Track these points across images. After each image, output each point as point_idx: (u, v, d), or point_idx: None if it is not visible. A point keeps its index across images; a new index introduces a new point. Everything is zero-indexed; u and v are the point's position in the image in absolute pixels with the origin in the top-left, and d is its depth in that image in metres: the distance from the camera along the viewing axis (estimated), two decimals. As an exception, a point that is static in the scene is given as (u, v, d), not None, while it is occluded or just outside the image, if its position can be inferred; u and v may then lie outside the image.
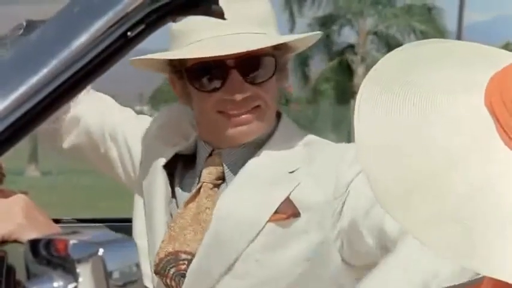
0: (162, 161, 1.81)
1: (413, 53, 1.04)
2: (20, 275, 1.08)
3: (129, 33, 0.99)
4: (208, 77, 1.71)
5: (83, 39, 0.97)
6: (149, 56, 1.76)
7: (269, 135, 1.77)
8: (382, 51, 25.92)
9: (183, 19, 1.69)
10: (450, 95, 0.95)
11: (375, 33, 26.68)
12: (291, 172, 1.71)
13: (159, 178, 1.81)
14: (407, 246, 1.42)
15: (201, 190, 1.76)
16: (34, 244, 0.94)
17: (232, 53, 1.66)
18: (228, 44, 1.67)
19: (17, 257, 1.10)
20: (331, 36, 26.52)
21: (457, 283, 1.35)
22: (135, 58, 1.77)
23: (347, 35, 27.42)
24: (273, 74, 1.72)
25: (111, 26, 0.98)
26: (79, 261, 0.88)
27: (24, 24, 1.07)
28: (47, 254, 0.92)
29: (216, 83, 1.70)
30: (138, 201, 1.85)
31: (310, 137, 1.78)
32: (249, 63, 1.70)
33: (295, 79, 26.45)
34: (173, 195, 1.82)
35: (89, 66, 0.98)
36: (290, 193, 1.69)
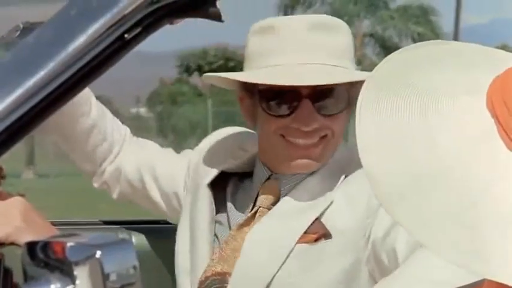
0: (207, 179, 1.81)
1: (413, 55, 1.04)
2: (17, 277, 1.08)
3: (126, 36, 0.99)
4: (280, 101, 1.69)
5: (80, 41, 0.97)
6: (227, 74, 1.75)
7: (326, 164, 1.75)
8: (378, 54, 25.97)
9: (253, 39, 1.71)
10: (452, 98, 0.95)
11: (371, 35, 26.71)
12: (325, 194, 1.70)
13: (203, 196, 1.80)
14: (417, 259, 1.43)
15: (257, 215, 1.75)
16: (31, 246, 0.93)
17: (309, 84, 1.65)
18: (306, 75, 1.66)
19: (14, 260, 1.10)
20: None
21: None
22: (209, 75, 1.78)
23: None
24: (345, 108, 1.70)
25: (108, 29, 0.98)
26: (76, 263, 0.88)
27: (21, 26, 1.07)
28: (44, 257, 0.92)
29: (287, 109, 1.69)
30: (183, 221, 1.84)
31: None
32: (322, 95, 1.68)
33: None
34: (222, 211, 1.81)
35: (86, 69, 0.98)
36: (321, 214, 1.67)
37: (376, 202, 1.59)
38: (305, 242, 1.65)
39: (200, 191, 1.80)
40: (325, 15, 1.77)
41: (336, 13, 27.14)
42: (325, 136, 1.70)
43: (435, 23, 27.11)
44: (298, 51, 1.68)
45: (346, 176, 1.71)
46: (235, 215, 1.79)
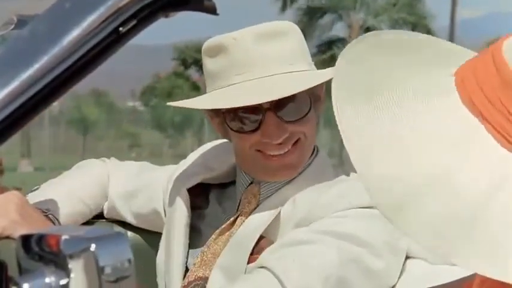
0: (187, 185, 1.83)
1: (375, 47, 1.05)
2: (12, 271, 1.08)
3: (120, 29, 0.99)
4: (244, 119, 1.70)
5: (74, 34, 0.97)
6: (185, 103, 1.76)
7: (302, 171, 1.75)
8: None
9: (207, 61, 1.69)
10: (425, 99, 0.96)
11: (367, 28, 26.70)
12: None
13: (180, 202, 1.82)
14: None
15: (238, 219, 1.76)
16: (26, 240, 0.93)
17: (267, 100, 1.65)
18: (263, 90, 1.65)
19: (9, 253, 1.09)
20: (318, 29, 26.54)
21: None
22: (172, 103, 1.79)
23: (336, 29, 27.50)
24: (310, 108, 1.70)
25: (103, 22, 0.98)
26: (71, 256, 0.88)
27: (15, 19, 1.06)
28: (39, 250, 0.92)
29: (253, 126, 1.69)
30: (164, 228, 1.87)
31: (340, 178, 1.74)
32: (284, 104, 1.67)
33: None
34: (202, 217, 1.83)
35: (80, 62, 0.98)
36: (267, 230, 1.68)
37: (305, 221, 1.64)
38: (253, 262, 1.66)
39: (178, 198, 1.82)
40: (271, 22, 1.74)
41: (331, 5, 27.16)
42: (298, 140, 1.70)
43: (426, 12, 27.20)
44: (251, 67, 1.67)
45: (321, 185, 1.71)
46: (218, 219, 1.80)
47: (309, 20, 26.83)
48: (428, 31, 25.47)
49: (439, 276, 1.59)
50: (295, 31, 1.72)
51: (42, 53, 0.96)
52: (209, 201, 1.86)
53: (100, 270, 0.86)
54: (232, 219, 1.76)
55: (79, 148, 35.57)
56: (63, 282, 0.87)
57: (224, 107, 1.69)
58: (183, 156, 2.04)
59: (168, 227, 1.83)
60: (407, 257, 1.66)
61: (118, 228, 2.00)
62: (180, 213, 1.81)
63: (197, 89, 29.37)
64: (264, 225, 1.68)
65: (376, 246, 1.60)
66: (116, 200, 1.98)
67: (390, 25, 26.53)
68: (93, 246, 0.87)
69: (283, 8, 27.57)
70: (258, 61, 1.68)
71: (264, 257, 1.62)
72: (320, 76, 1.69)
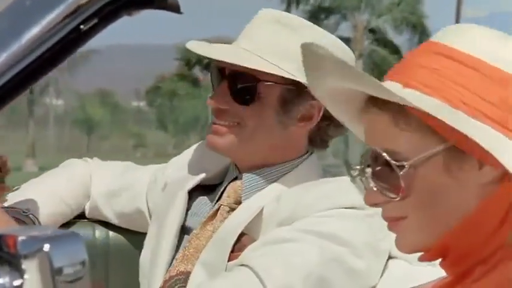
0: (187, 187, 1.83)
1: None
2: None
3: (82, 27, 0.98)
4: (212, 77, 1.75)
5: (34, 32, 0.96)
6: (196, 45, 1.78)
7: (290, 170, 1.75)
8: (378, 45, 26.02)
9: None
10: None
11: (371, 29, 26.71)
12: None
13: (178, 201, 1.82)
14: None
15: (218, 212, 1.76)
16: (-16, 240, 0.92)
17: (205, 55, 1.69)
18: (217, 50, 1.70)
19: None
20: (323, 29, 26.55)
21: None
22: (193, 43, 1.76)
23: (341, 29, 27.49)
24: (253, 99, 1.69)
25: (63, 19, 0.96)
26: (25, 257, 0.86)
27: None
28: (-3, 250, 0.90)
29: (215, 86, 1.74)
30: (151, 229, 1.86)
31: (326, 179, 1.73)
32: (236, 79, 1.69)
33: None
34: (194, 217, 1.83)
35: (40, 60, 0.97)
36: (249, 227, 1.68)
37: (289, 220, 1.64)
38: (235, 259, 1.66)
39: (176, 199, 1.82)
40: (298, 17, 1.75)
41: (336, 6, 27.15)
42: (237, 124, 1.71)
43: (425, 12, 27.29)
44: (241, 37, 1.74)
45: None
46: (202, 214, 1.80)
47: (314, 21, 26.78)
48: (424, 30, 25.57)
49: (418, 276, 1.59)
50: (302, 34, 1.68)
51: (2, 51, 0.95)
52: (196, 197, 1.85)
53: (54, 270, 0.85)
54: (211, 212, 1.76)
55: (83, 148, 35.65)
56: (16, 283, 0.86)
57: (195, 51, 1.72)
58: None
59: (159, 226, 1.82)
60: (389, 258, 1.66)
61: (100, 228, 2.00)
62: (175, 215, 1.81)
63: (201, 88, 29.36)
64: (245, 222, 1.68)
65: (358, 246, 1.60)
66: (99, 200, 1.97)
67: (393, 25, 26.55)
68: (47, 247, 0.86)
69: (288, 9, 27.60)
70: (247, 35, 1.73)
71: (245, 255, 1.62)
72: (264, 66, 1.67)
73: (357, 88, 1.08)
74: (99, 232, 2.01)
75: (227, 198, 1.76)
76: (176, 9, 1.03)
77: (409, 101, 0.99)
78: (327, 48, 1.08)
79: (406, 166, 1.03)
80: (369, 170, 1.09)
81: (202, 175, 1.84)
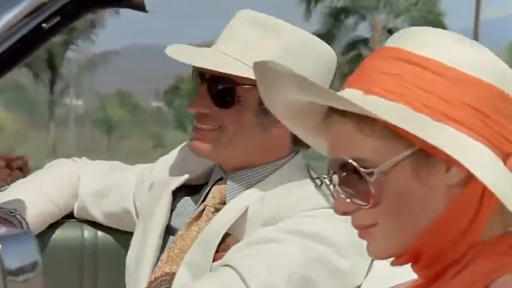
0: (170, 187, 1.83)
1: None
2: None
3: (44, 25, 0.98)
4: (196, 83, 1.74)
5: (-5, 30, 0.96)
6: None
7: (274, 171, 1.75)
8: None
9: None
10: None
11: (390, 29, 26.65)
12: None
13: (163, 201, 1.82)
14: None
15: (203, 213, 1.76)
16: None
17: (184, 61, 1.67)
18: (197, 56, 1.70)
19: None
20: (343, 29, 26.52)
21: None
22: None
23: (360, 29, 27.46)
24: (232, 103, 1.68)
25: (25, 17, 0.96)
26: (-22, 256, 0.86)
27: None
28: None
29: (197, 91, 1.73)
30: (138, 228, 1.86)
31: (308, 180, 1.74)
32: (215, 83, 1.69)
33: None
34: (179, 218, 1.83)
35: (2, 58, 0.96)
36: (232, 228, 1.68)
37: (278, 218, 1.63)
38: (219, 260, 1.66)
39: (160, 200, 1.82)
40: (278, 19, 1.72)
41: (354, 6, 27.10)
42: (218, 128, 1.71)
43: (442, 10, 27.25)
44: (220, 40, 1.72)
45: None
46: (187, 215, 1.79)
47: (333, 21, 26.82)
48: (444, 28, 25.48)
49: (403, 276, 1.59)
50: (284, 38, 1.68)
51: (-37, 50, 0.95)
52: (180, 197, 1.84)
53: (5, 270, 0.84)
54: (196, 213, 1.76)
55: (103, 148, 35.77)
56: (-31, 281, 0.86)
57: (172, 57, 1.69)
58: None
59: (145, 227, 1.82)
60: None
61: (88, 228, 2.00)
62: (159, 215, 1.81)
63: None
64: (229, 223, 1.67)
65: (342, 246, 1.59)
66: (86, 199, 1.97)
67: (412, 24, 26.46)
68: (-2, 246, 0.85)
69: (307, 9, 27.60)
70: (224, 36, 1.73)
71: (229, 256, 1.62)
72: (242, 70, 1.65)
73: (317, 101, 1.08)
74: (88, 232, 2.01)
75: (212, 199, 1.76)
76: (141, 7, 1.02)
77: (370, 111, 0.99)
78: (283, 65, 1.07)
79: (375, 173, 1.03)
80: (336, 178, 1.07)
81: (187, 175, 1.84)
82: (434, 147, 0.99)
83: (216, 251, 1.66)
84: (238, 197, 1.73)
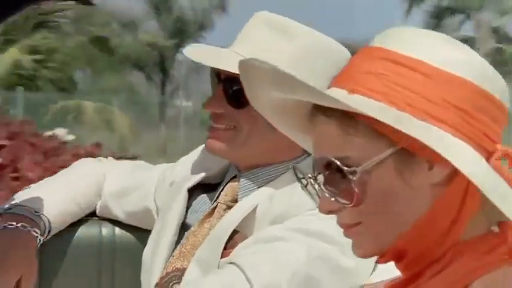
0: (187, 185, 1.87)
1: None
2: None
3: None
4: (212, 83, 1.80)
5: None
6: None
7: (286, 171, 1.76)
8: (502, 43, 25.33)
9: None
10: None
11: (495, 28, 26.04)
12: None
13: (179, 198, 1.86)
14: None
15: (215, 210, 1.79)
16: None
17: (199, 61, 1.71)
18: (208, 56, 1.73)
19: None
20: (445, 29, 26.04)
21: None
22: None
23: (464, 29, 26.87)
24: (246, 103, 1.58)
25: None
26: None
27: None
28: None
29: (213, 91, 1.78)
30: (156, 226, 1.90)
31: None
32: (230, 83, 1.71)
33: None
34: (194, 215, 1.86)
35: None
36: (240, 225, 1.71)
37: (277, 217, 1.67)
38: (227, 257, 1.70)
39: (176, 197, 1.86)
40: (295, 22, 1.73)
41: (458, 5, 26.62)
42: (233, 128, 1.74)
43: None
44: (236, 41, 1.75)
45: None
46: (201, 212, 1.84)
47: (436, 21, 26.42)
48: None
49: (390, 271, 1.56)
50: (299, 44, 1.70)
51: None
52: (196, 195, 1.89)
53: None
54: (209, 210, 1.80)
55: (211, 148, 35.74)
56: None
57: (189, 57, 1.74)
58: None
59: (161, 224, 1.86)
60: None
61: (106, 226, 2.02)
62: (175, 212, 1.85)
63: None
64: (238, 221, 1.71)
65: (347, 244, 1.50)
66: (109, 199, 2.00)
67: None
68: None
69: (410, 9, 27.27)
70: (242, 38, 1.75)
71: (236, 253, 1.66)
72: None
73: (298, 97, 1.09)
74: (106, 230, 2.02)
75: (225, 196, 1.80)
76: (86, 1, 1.07)
77: (353, 106, 1.00)
78: (268, 62, 1.08)
79: (358, 172, 1.04)
80: (321, 178, 1.08)
81: (203, 174, 1.88)
82: (416, 146, 1.01)
83: (225, 248, 1.71)
84: (250, 196, 1.75)
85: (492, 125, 1.05)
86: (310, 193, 1.10)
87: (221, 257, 1.70)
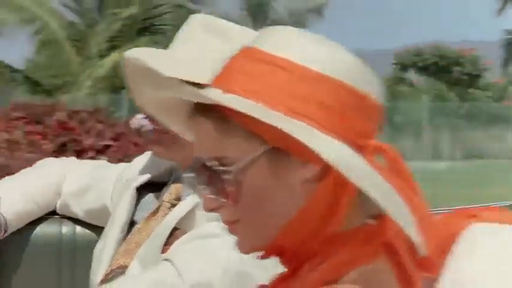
0: (135, 183, 1.90)
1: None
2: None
3: None
4: None
5: None
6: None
7: None
8: None
9: None
10: None
11: None
12: None
13: (126, 196, 1.88)
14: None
15: (160, 209, 1.81)
16: None
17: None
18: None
19: None
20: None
21: None
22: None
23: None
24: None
25: None
26: None
27: None
28: None
29: None
30: (108, 223, 1.91)
31: None
32: None
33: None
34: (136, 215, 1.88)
35: None
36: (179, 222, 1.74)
37: None
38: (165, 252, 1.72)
39: (125, 195, 1.89)
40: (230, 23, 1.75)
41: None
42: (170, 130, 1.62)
43: None
44: (174, 43, 1.75)
45: None
46: (148, 210, 1.86)
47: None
48: None
49: None
50: (235, 45, 1.49)
51: None
52: (149, 199, 1.91)
53: None
54: (154, 208, 1.83)
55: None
56: None
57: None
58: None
59: (111, 221, 1.89)
60: None
61: (67, 224, 2.04)
62: (122, 209, 1.87)
63: (417, 90, 29.52)
64: (178, 218, 1.74)
65: None
66: (68, 198, 2.02)
67: None
68: None
69: (504, 5, 26.93)
70: (177, 40, 1.75)
71: (172, 249, 1.69)
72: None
73: (174, 95, 1.11)
74: (66, 228, 2.03)
75: (169, 195, 1.82)
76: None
77: (213, 98, 1.03)
78: (140, 58, 1.09)
79: (232, 171, 1.05)
80: (201, 177, 1.09)
81: (152, 173, 1.91)
82: (286, 143, 1.03)
83: (166, 244, 1.74)
84: (193, 194, 1.75)
85: (365, 121, 1.06)
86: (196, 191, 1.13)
87: (162, 253, 1.73)
